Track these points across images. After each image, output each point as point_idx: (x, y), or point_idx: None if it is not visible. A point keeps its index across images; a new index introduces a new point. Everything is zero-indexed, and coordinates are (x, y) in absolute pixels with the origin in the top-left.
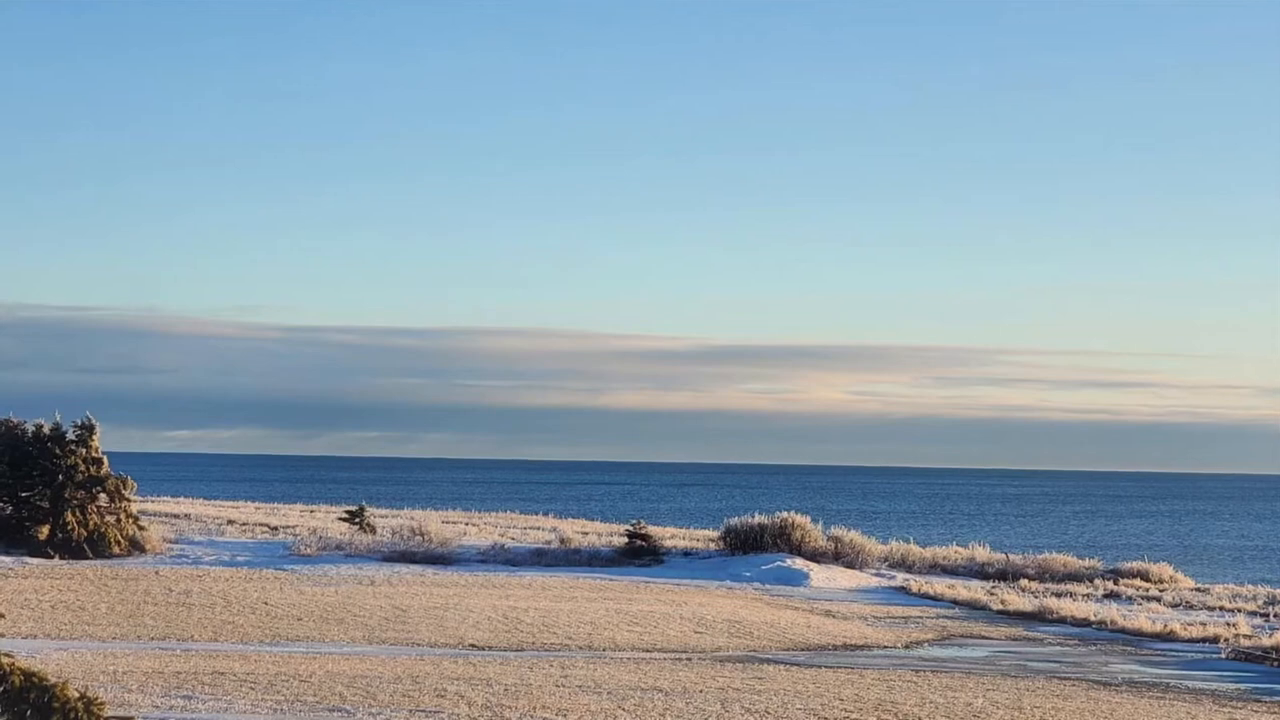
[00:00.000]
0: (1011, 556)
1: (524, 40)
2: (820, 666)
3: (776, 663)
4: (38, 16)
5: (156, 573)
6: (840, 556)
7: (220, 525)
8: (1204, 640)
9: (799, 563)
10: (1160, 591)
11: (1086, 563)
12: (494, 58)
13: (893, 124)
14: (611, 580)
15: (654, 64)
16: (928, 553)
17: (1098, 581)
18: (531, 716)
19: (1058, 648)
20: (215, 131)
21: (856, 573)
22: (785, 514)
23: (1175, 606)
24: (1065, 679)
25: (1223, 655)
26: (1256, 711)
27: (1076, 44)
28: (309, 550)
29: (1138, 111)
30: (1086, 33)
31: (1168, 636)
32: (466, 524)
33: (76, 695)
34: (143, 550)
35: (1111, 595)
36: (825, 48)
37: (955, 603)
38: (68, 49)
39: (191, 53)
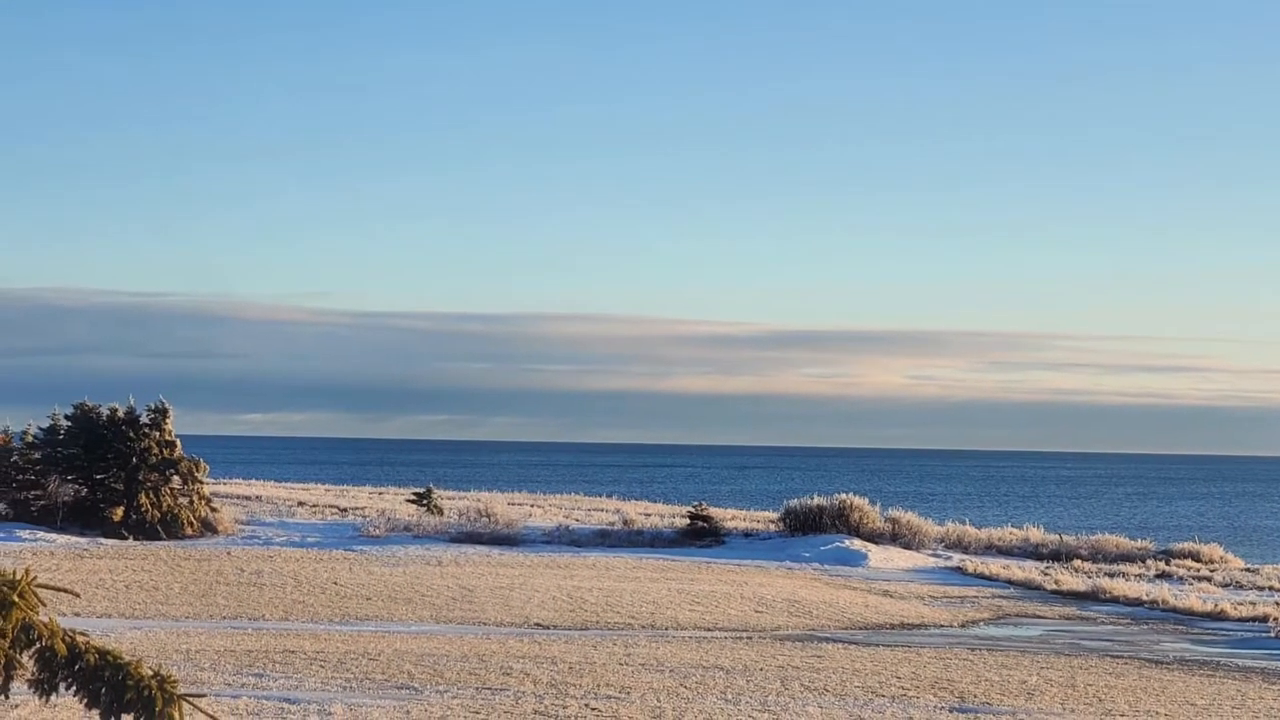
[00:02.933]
0: (1065, 537)
1: (583, 34)
2: (878, 645)
3: (835, 641)
4: (109, 13)
5: (228, 553)
6: (898, 537)
7: (291, 507)
8: (1253, 619)
9: (857, 543)
10: (1211, 572)
11: (1138, 544)
12: (554, 51)
13: (947, 115)
14: (673, 561)
15: (709, 58)
16: (983, 534)
17: (1149, 562)
18: (595, 694)
19: (1110, 627)
20: (283, 123)
21: (913, 553)
22: (844, 496)
23: (1225, 586)
24: (1118, 657)
25: (1272, 634)
26: None
27: (1125, 35)
28: (378, 531)
29: (1187, 101)
30: (1135, 25)
31: (1218, 616)
32: (531, 506)
33: (150, 673)
34: (215, 531)
35: (1163, 575)
36: (878, 41)
37: (1010, 583)
38: (139, 45)
39: (258, 47)
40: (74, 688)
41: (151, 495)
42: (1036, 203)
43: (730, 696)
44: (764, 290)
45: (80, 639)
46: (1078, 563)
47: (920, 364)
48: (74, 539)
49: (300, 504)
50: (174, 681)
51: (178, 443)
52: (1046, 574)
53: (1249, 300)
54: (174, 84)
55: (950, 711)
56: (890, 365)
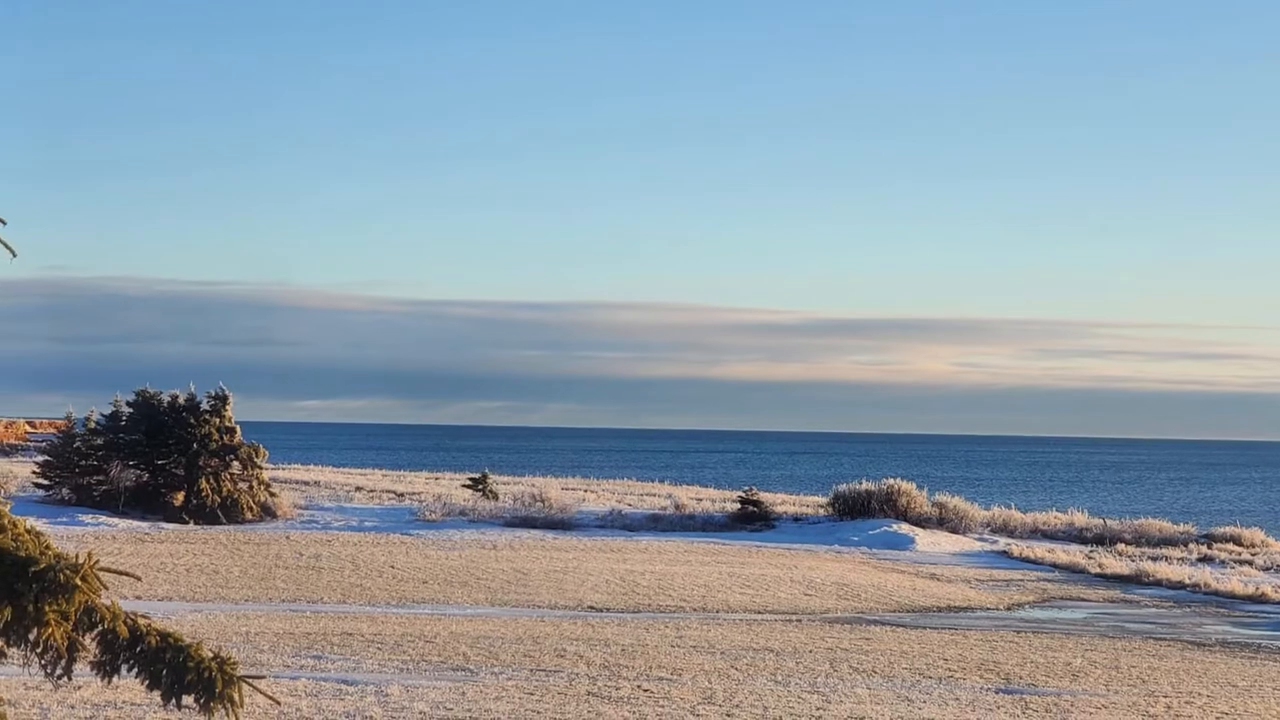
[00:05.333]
0: (1109, 522)
1: (635, 26)
2: (925, 628)
3: (883, 624)
4: (171, 8)
5: (287, 537)
6: (944, 522)
7: (349, 492)
8: None
9: (905, 528)
10: (1252, 555)
11: (1181, 528)
12: (608, 43)
13: (995, 106)
14: (724, 545)
15: (761, 49)
16: (1028, 518)
17: (1192, 546)
18: (647, 675)
19: (1153, 609)
20: (341, 114)
21: (960, 537)
22: (892, 481)
23: (1266, 570)
24: (1161, 639)
25: None
26: None
27: (1164, 29)
28: (434, 516)
29: (1231, 93)
30: (1174, 18)
31: (1259, 599)
32: (585, 491)
33: (210, 655)
34: (274, 516)
35: (1205, 559)
36: (926, 33)
37: (1055, 566)
38: (200, 38)
39: (318, 39)
40: (135, 669)
41: (212, 480)
42: (1082, 192)
43: (780, 678)
44: (813, 279)
45: (142, 622)
46: (1121, 546)
47: (967, 351)
48: (135, 523)
49: (358, 489)
50: (234, 663)
51: (237, 429)
52: (1091, 558)
53: None
54: (234, 76)
55: (996, 692)
56: (937, 353)
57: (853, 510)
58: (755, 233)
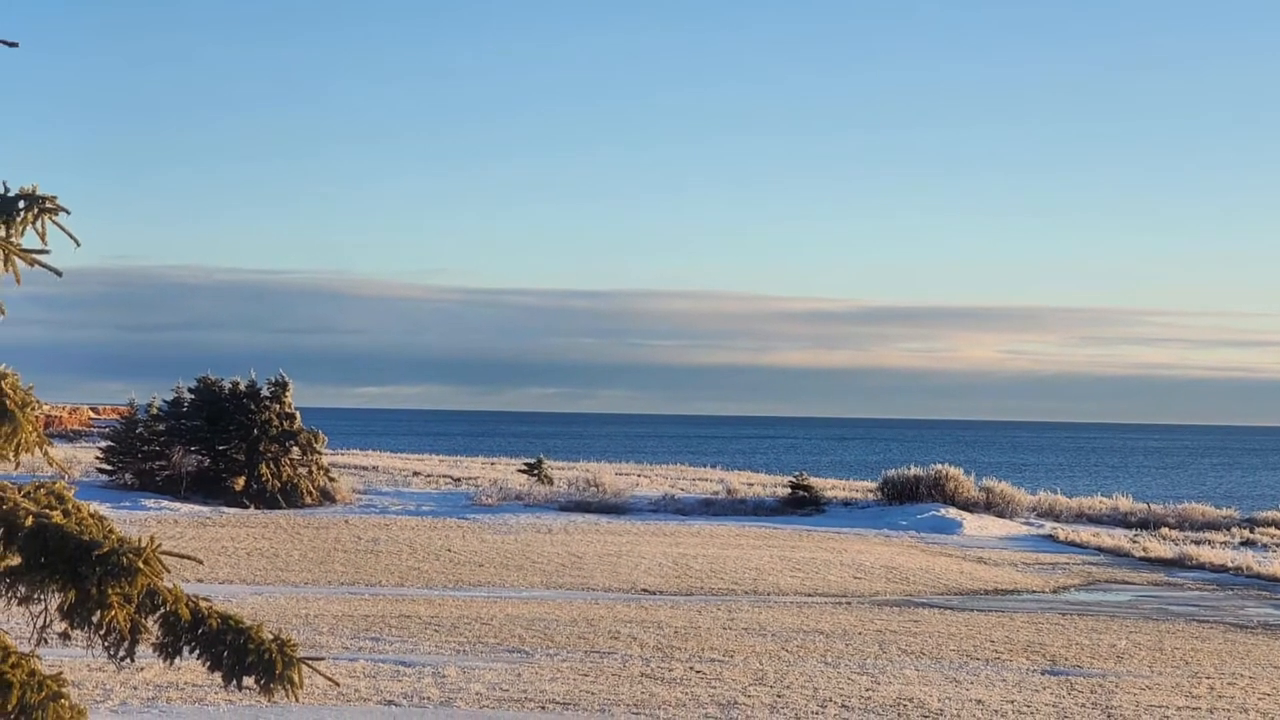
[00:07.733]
0: (1153, 506)
1: (687, 19)
2: (972, 610)
3: (931, 606)
4: (234, 2)
5: (346, 522)
6: (991, 506)
7: (406, 477)
8: None
9: (952, 512)
10: None
11: (1224, 512)
12: (661, 37)
13: (1040, 99)
14: (775, 529)
15: (811, 43)
16: (1074, 503)
17: (1234, 530)
18: (700, 657)
19: (1196, 592)
20: (400, 105)
21: (1007, 522)
22: (939, 466)
23: None
24: (1204, 622)
25: None
26: None
27: (1207, 23)
28: (490, 500)
29: (1270, 86)
30: (1217, 11)
31: None
32: (639, 476)
33: (270, 637)
34: (333, 500)
35: (1247, 543)
36: (972, 28)
37: (1100, 550)
38: (266, 31)
39: (379, 33)
40: (197, 651)
41: (272, 466)
42: (1126, 183)
43: (830, 660)
44: (862, 267)
45: (203, 604)
46: (1165, 530)
47: (1013, 339)
48: (197, 508)
49: (415, 474)
50: (293, 645)
51: (297, 415)
52: (1135, 541)
53: None
54: (297, 69)
55: (1042, 674)
56: (984, 340)
57: (901, 495)
58: (805, 222)
